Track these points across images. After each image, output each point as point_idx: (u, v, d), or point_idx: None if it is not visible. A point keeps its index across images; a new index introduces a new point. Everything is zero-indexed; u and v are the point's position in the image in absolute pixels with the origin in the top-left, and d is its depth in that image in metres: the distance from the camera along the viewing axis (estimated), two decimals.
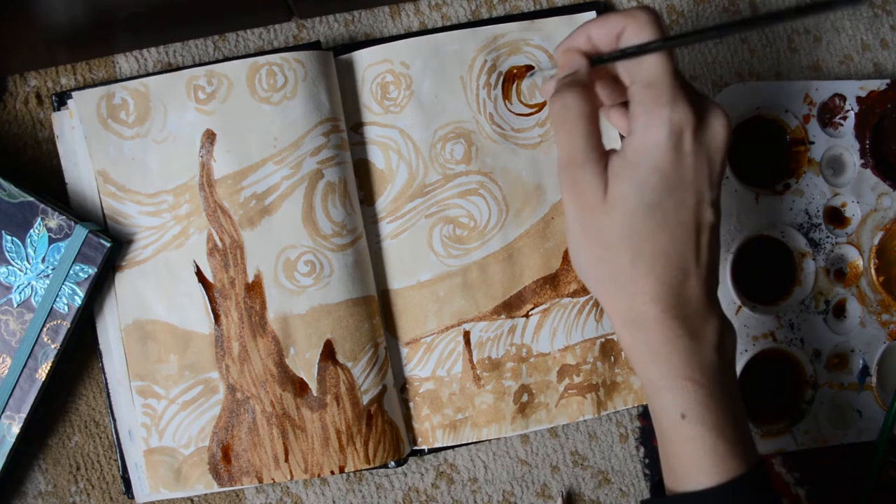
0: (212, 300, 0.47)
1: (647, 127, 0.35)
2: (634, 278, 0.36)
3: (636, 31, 0.36)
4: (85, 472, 0.49)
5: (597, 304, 0.50)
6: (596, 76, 0.40)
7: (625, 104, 0.41)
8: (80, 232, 0.45)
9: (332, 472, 0.47)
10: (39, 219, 0.45)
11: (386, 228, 0.49)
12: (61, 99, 0.48)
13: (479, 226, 0.49)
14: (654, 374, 0.37)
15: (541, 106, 0.50)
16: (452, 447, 0.50)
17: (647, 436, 0.52)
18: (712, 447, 0.36)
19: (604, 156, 0.37)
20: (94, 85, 0.48)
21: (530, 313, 0.50)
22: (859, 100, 0.52)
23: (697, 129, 0.35)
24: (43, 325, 0.45)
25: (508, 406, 0.49)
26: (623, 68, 0.38)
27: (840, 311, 0.53)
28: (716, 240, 0.38)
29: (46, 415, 0.49)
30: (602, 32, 0.38)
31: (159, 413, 0.47)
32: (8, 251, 0.45)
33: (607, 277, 0.37)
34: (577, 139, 0.36)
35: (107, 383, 0.48)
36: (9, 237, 0.45)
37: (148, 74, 0.48)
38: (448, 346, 0.49)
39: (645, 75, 0.35)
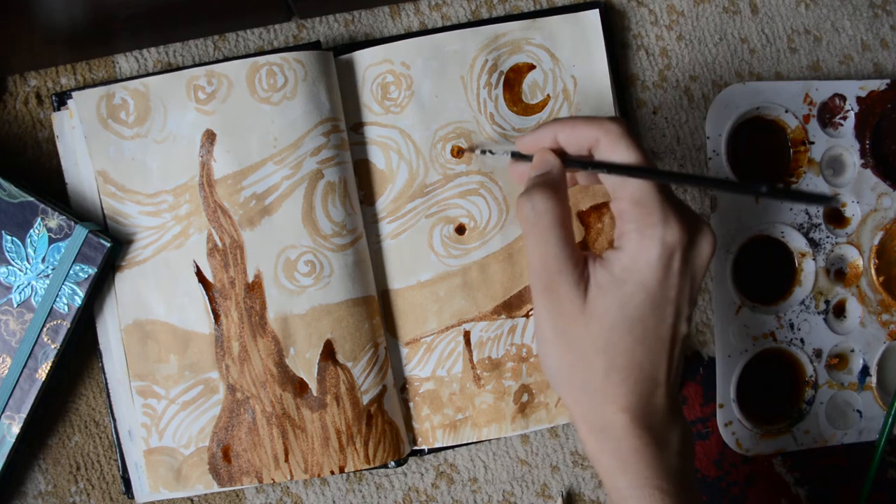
0: (212, 300, 0.47)
1: (639, 246, 0.35)
2: (606, 388, 0.36)
3: (610, 146, 0.36)
4: (85, 472, 0.49)
5: None
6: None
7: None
8: (80, 232, 0.45)
9: (332, 472, 0.47)
10: (39, 219, 0.45)
11: (386, 228, 0.49)
12: (61, 99, 0.48)
13: (480, 226, 0.49)
14: (622, 483, 0.37)
15: (542, 105, 0.50)
16: (452, 447, 0.50)
17: None
18: None
19: (580, 261, 0.36)
20: (94, 85, 0.48)
21: (530, 313, 0.50)
22: (859, 100, 0.52)
23: (687, 248, 0.35)
24: (43, 325, 0.45)
25: (508, 406, 0.49)
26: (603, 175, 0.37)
27: (840, 311, 0.53)
28: (683, 350, 0.38)
29: (46, 415, 0.49)
30: (571, 138, 0.37)
31: (159, 413, 0.47)
32: (8, 251, 0.45)
33: (578, 385, 0.37)
34: (551, 246, 0.36)
35: (107, 383, 0.48)
36: (9, 237, 0.45)
37: (148, 74, 0.48)
38: (448, 346, 0.49)
39: (632, 191, 0.35)
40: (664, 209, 0.35)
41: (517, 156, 0.41)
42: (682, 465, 0.37)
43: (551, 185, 0.37)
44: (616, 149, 0.36)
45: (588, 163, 0.37)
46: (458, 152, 0.47)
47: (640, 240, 0.35)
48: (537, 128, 0.39)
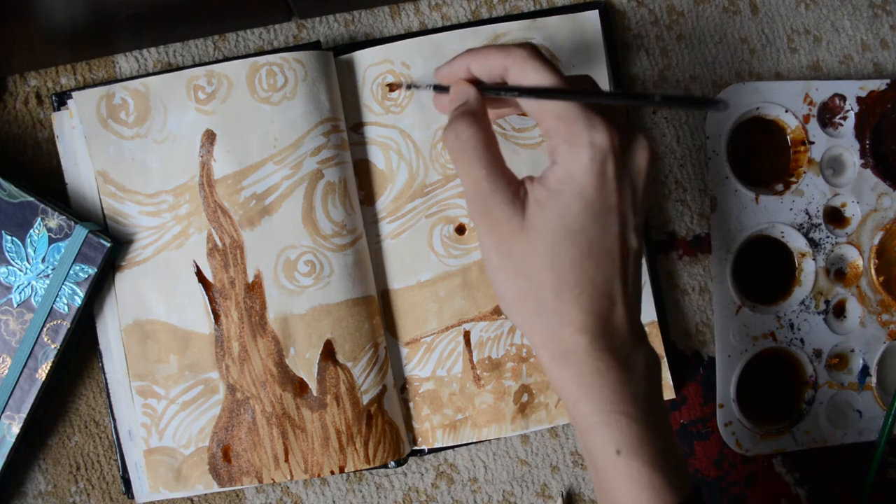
0: (212, 300, 0.47)
1: (570, 155, 0.34)
2: (560, 309, 0.35)
3: (520, 71, 0.36)
4: (85, 472, 0.49)
5: None
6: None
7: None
8: (80, 232, 0.45)
9: (332, 472, 0.47)
10: (39, 219, 0.45)
11: (386, 228, 0.49)
12: (61, 99, 0.48)
13: None
14: (587, 410, 0.36)
15: None
16: (452, 447, 0.50)
17: None
18: (648, 481, 0.35)
19: (513, 181, 0.36)
20: (94, 85, 0.48)
21: None
22: (859, 100, 0.52)
23: (620, 153, 0.35)
24: (43, 325, 0.45)
25: (508, 406, 0.49)
26: (520, 98, 0.37)
27: (840, 311, 0.53)
28: (639, 267, 0.37)
29: (46, 415, 0.49)
30: (484, 68, 0.38)
31: (159, 413, 0.47)
32: (8, 251, 0.45)
33: (531, 309, 0.36)
34: (479, 169, 0.36)
35: (107, 383, 0.48)
36: (9, 237, 0.45)
37: (148, 74, 0.48)
38: (448, 346, 0.49)
39: (552, 107, 0.35)
40: (588, 115, 0.34)
41: (438, 88, 0.42)
42: (649, 390, 0.36)
43: (471, 113, 0.37)
44: (525, 73, 0.36)
45: (500, 88, 0.38)
46: (389, 90, 0.48)
47: (569, 149, 0.34)
48: (452, 59, 0.39)
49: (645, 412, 0.36)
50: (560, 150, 0.35)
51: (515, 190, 0.36)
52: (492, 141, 0.37)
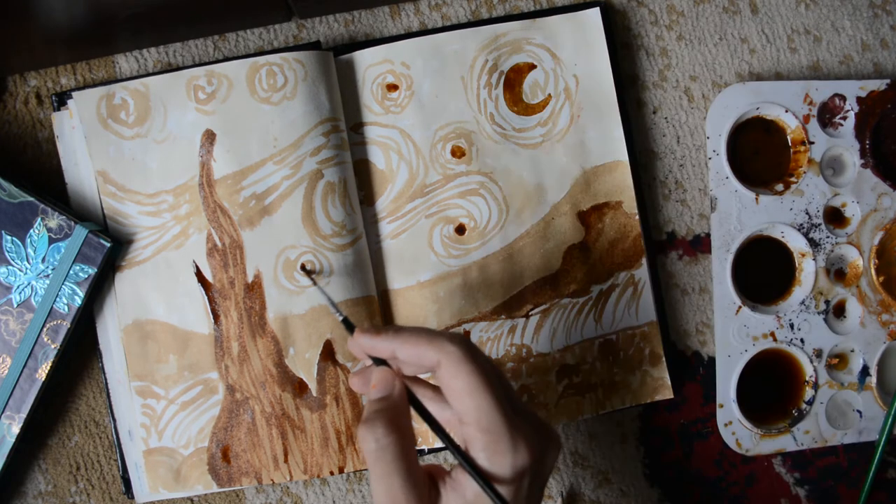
0: (211, 300, 0.47)
1: (489, 474, 0.34)
2: None
3: (451, 371, 0.34)
4: (85, 472, 0.49)
5: (596, 304, 0.50)
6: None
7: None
8: (80, 232, 0.45)
9: (332, 473, 0.47)
10: (39, 219, 0.45)
11: (386, 228, 0.49)
12: (61, 99, 0.48)
13: (480, 226, 0.49)
14: None
15: (543, 105, 0.50)
16: None
17: (646, 436, 0.52)
18: None
19: (426, 489, 0.35)
20: (94, 85, 0.48)
21: (530, 313, 0.50)
22: (859, 100, 0.52)
23: (535, 466, 0.35)
24: (43, 325, 0.45)
25: None
26: (448, 395, 0.35)
27: (840, 311, 0.53)
28: None
29: (46, 415, 0.49)
30: (412, 358, 0.36)
31: (159, 413, 0.47)
32: (8, 251, 0.45)
33: None
34: (396, 479, 0.34)
35: (107, 383, 0.48)
36: (9, 237, 0.45)
37: (148, 74, 0.48)
38: None
39: (478, 417, 0.34)
40: (513, 435, 0.34)
41: (350, 327, 0.40)
42: None
43: (393, 414, 0.35)
44: (458, 374, 0.34)
45: (414, 401, 0.37)
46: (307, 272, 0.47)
47: (490, 467, 0.34)
48: (377, 334, 0.37)
49: None
50: (480, 463, 0.34)
51: (428, 500, 0.35)
52: (410, 445, 0.35)
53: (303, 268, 0.46)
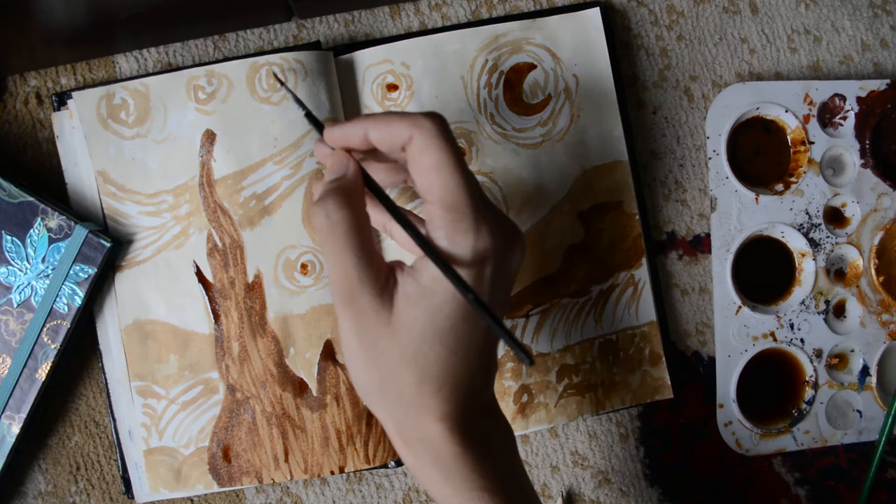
0: (211, 300, 0.47)
1: (448, 254, 0.33)
2: (421, 400, 0.34)
3: (422, 146, 0.33)
4: (85, 472, 0.49)
5: (596, 304, 0.50)
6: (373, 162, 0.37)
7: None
8: (80, 232, 0.45)
9: (332, 472, 0.47)
10: (39, 219, 0.45)
11: None
12: (61, 99, 0.48)
13: None
14: (447, 492, 0.35)
15: (543, 105, 0.50)
16: None
17: (647, 436, 0.52)
18: None
19: (382, 269, 0.34)
20: (94, 85, 0.48)
21: (530, 313, 0.50)
22: (859, 100, 0.52)
23: (499, 255, 0.34)
24: (43, 325, 0.45)
25: (508, 406, 0.49)
26: (415, 172, 0.34)
27: (840, 311, 0.53)
28: (496, 348, 0.37)
29: (46, 415, 0.49)
30: (384, 136, 0.35)
31: (159, 413, 0.47)
32: (8, 251, 0.45)
33: (391, 399, 0.35)
34: (349, 256, 0.33)
35: (107, 383, 0.48)
36: (9, 237, 0.45)
37: (148, 74, 0.48)
38: None
39: (442, 194, 0.33)
40: (476, 216, 0.33)
41: (314, 121, 0.39)
42: (506, 460, 0.36)
43: (346, 191, 0.34)
44: (428, 149, 0.33)
45: (369, 182, 0.36)
46: (276, 82, 0.45)
47: (450, 247, 0.33)
48: (348, 121, 0.36)
49: (504, 483, 0.35)
50: (439, 243, 0.33)
51: (385, 281, 0.34)
52: (365, 224, 0.34)
53: (274, 76, 0.44)
